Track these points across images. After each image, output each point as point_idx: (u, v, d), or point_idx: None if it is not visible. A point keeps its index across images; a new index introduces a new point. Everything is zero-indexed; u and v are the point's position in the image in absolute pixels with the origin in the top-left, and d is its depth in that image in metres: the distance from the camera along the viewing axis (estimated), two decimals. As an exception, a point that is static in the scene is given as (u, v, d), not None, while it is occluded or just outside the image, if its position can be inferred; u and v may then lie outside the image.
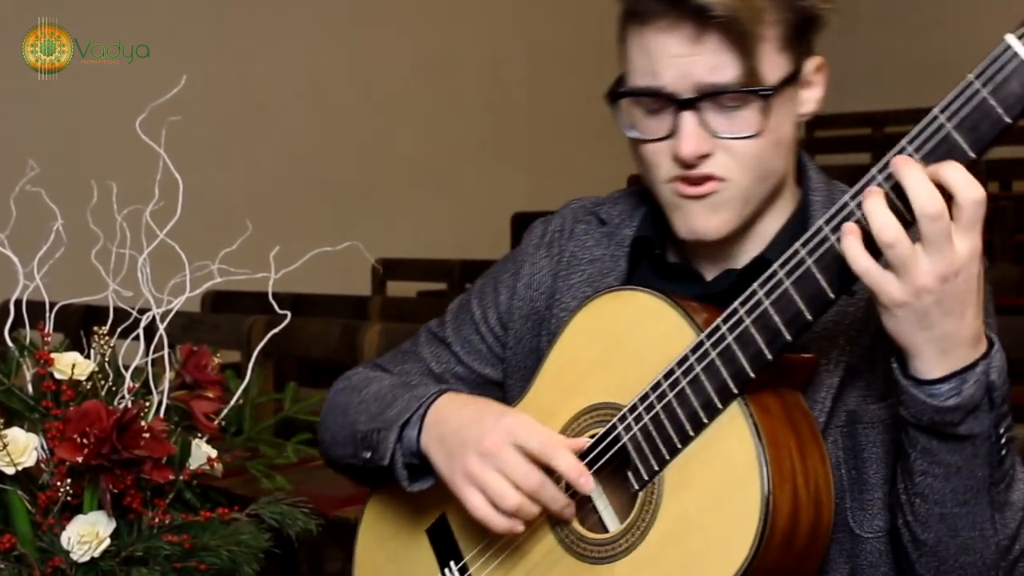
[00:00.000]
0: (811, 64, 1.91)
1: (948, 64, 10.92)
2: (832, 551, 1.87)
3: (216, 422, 2.29)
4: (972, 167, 1.55)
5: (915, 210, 1.54)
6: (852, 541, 1.89)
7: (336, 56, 9.24)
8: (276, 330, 2.33)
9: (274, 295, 2.29)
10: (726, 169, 1.86)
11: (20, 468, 2.02)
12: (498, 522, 1.86)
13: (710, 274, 2.01)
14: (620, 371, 1.90)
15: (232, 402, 2.34)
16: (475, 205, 9.36)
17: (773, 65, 1.84)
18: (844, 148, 11.26)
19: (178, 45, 7.72)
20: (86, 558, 1.98)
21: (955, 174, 1.53)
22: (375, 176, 9.46)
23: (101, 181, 2.37)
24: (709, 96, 1.82)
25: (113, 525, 2.02)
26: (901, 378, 1.64)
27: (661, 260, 2.05)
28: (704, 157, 1.85)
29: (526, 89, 10.60)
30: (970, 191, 1.52)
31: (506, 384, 2.20)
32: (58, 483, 2.00)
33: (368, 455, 2.06)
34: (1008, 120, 1.51)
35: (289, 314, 2.32)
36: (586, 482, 1.84)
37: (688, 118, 1.83)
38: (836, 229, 1.62)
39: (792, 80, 1.87)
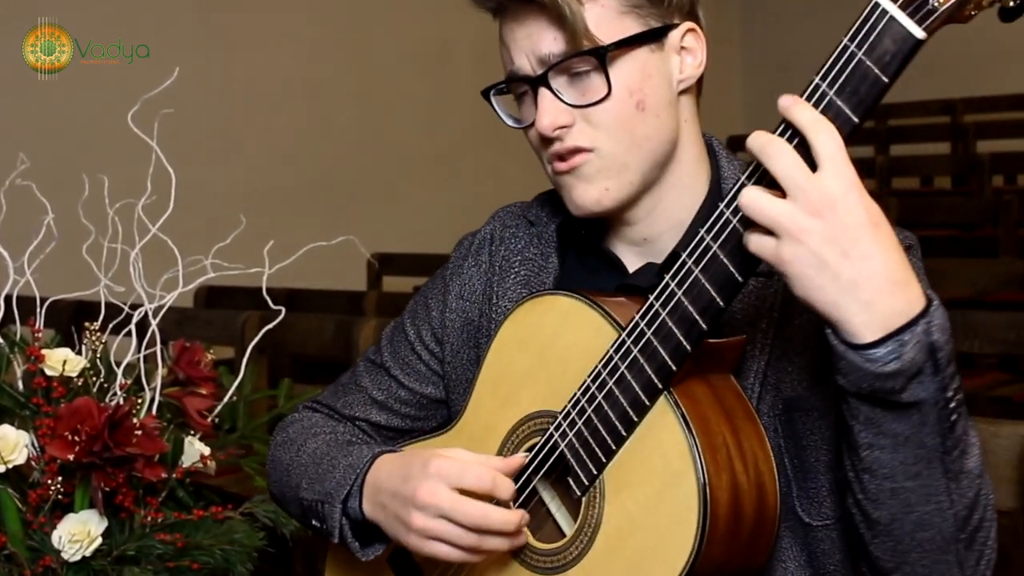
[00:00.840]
0: (679, 30, 1.94)
1: (947, 57, 10.93)
2: (786, 540, 1.87)
3: (209, 419, 2.29)
4: (859, 132, 1.56)
5: (760, 159, 1.55)
6: (803, 530, 1.88)
7: (330, 47, 9.23)
8: (270, 326, 2.34)
9: (268, 290, 2.30)
10: (590, 139, 1.89)
11: (10, 466, 2.02)
12: (475, 558, 1.89)
13: (633, 264, 2.03)
14: (551, 377, 1.90)
15: (225, 399, 2.34)
16: (472, 197, 9.33)
17: (613, 28, 1.87)
18: (847, 141, 11.25)
19: (170, 37, 7.71)
20: (77, 557, 1.99)
21: (804, 112, 1.53)
22: (370, 169, 9.45)
23: (93, 175, 2.37)
24: (553, 68, 1.88)
25: (105, 524, 2.02)
26: (837, 344, 1.57)
27: (590, 247, 2.07)
28: (564, 129, 1.89)
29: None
30: (819, 125, 1.52)
31: (449, 400, 2.20)
32: (49, 481, 2.00)
33: (317, 525, 2.06)
34: (886, 80, 1.52)
35: (283, 309, 2.32)
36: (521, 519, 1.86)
37: (542, 94, 1.89)
38: (737, 211, 1.62)
39: (640, 41, 1.89)
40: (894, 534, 1.68)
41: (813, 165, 1.52)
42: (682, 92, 1.95)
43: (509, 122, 2.01)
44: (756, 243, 1.56)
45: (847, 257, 1.51)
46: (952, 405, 1.58)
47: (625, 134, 1.89)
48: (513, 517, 1.83)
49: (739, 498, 1.68)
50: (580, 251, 2.09)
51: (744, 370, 1.85)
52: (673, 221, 1.96)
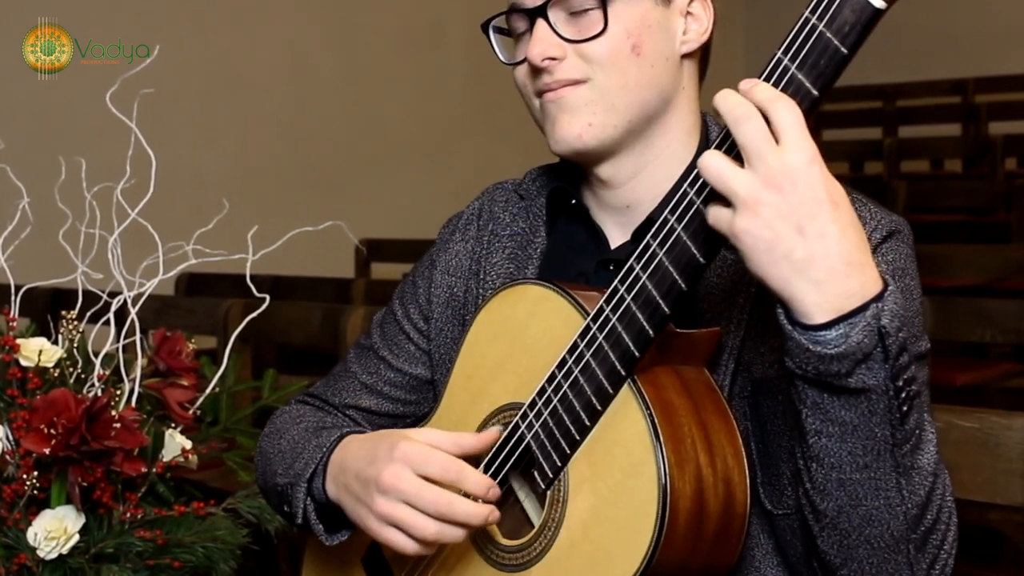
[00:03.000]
0: None
1: (959, 35, 10.90)
2: (754, 527, 1.87)
3: (191, 411, 2.29)
4: (818, 105, 1.57)
5: (726, 121, 1.56)
6: (767, 518, 1.89)
7: (317, 26, 9.22)
8: (254, 314, 2.33)
9: (252, 277, 2.29)
10: (581, 70, 1.94)
11: (-16, 460, 2.02)
12: (430, 550, 1.90)
13: (617, 239, 2.05)
14: (520, 369, 1.91)
15: (208, 390, 2.34)
16: (464, 181, 9.32)
17: None
18: (853, 122, 11.27)
19: (152, 15, 7.70)
20: (54, 555, 1.99)
21: (762, 91, 1.55)
22: (358, 152, 9.45)
23: (70, 157, 2.37)
24: (554, 2, 1.94)
25: (82, 520, 2.02)
26: (786, 324, 1.58)
27: (578, 216, 2.09)
28: (554, 62, 1.94)
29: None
30: (778, 101, 1.53)
31: (435, 381, 2.22)
32: (24, 476, 2.00)
33: (287, 510, 2.07)
34: (845, 51, 1.52)
35: (268, 297, 2.32)
36: (494, 494, 1.86)
37: (538, 25, 1.95)
38: (701, 191, 1.63)
39: None
40: (841, 527, 1.68)
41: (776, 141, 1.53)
42: (685, 57, 1.98)
43: (502, 57, 2.05)
44: (714, 214, 1.57)
45: (802, 234, 1.51)
46: (903, 395, 1.58)
47: (618, 73, 1.93)
48: (481, 511, 1.83)
49: (703, 492, 1.67)
50: (568, 222, 2.11)
51: (719, 346, 1.85)
52: (658, 191, 1.97)
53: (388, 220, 8.54)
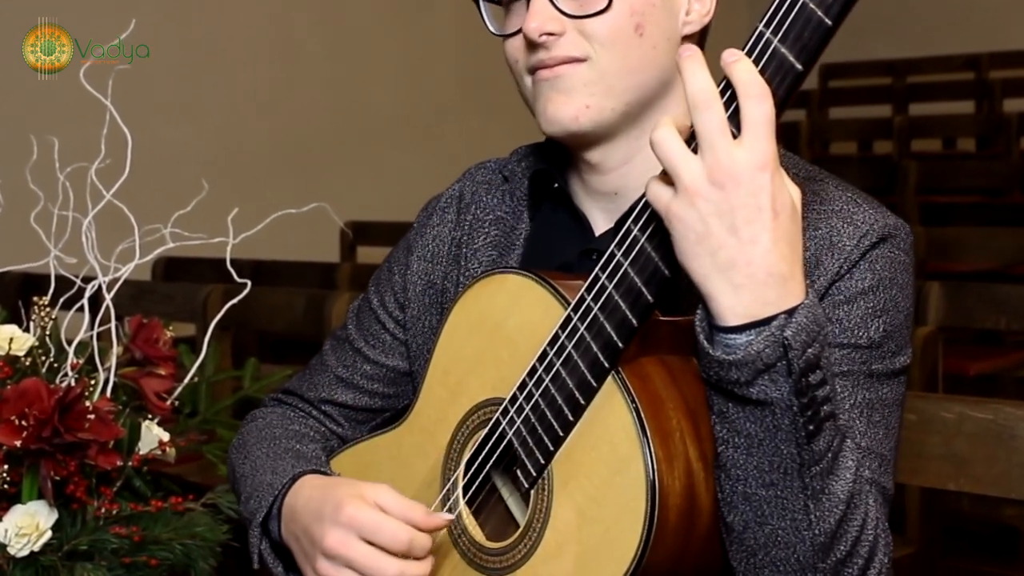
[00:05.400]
0: None
1: (973, 8, 10.89)
2: None
3: (168, 402, 2.29)
4: (802, 80, 1.57)
5: (688, 103, 1.56)
6: None
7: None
8: (235, 300, 2.33)
9: (233, 262, 2.29)
10: (583, 49, 1.92)
11: (-48, 453, 2.02)
12: None
13: (601, 226, 2.05)
14: (500, 362, 1.91)
15: (186, 380, 2.34)
16: (454, 161, 9.29)
17: None
18: (862, 99, 11.28)
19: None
20: (25, 552, 1.99)
21: (741, 72, 1.54)
22: (344, 131, 9.44)
23: (41, 136, 2.36)
24: None
25: (55, 516, 2.02)
26: (697, 323, 1.61)
27: (562, 201, 2.09)
28: (552, 37, 1.92)
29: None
30: (751, 89, 1.53)
31: (413, 372, 2.22)
32: (-6, 469, 2.00)
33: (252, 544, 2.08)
34: (829, 23, 1.52)
35: (249, 283, 2.32)
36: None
37: None
38: None
39: None
40: (747, 544, 1.68)
41: (738, 131, 1.53)
42: (685, 38, 1.97)
43: (492, 28, 2.03)
44: (654, 189, 1.59)
45: (734, 235, 1.53)
46: (810, 414, 1.58)
47: (620, 53, 1.92)
48: (429, 544, 1.84)
49: (693, 487, 1.67)
50: (552, 207, 2.11)
51: None
52: (647, 179, 1.97)
53: (375, 202, 8.54)
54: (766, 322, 1.54)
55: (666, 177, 1.57)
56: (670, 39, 1.95)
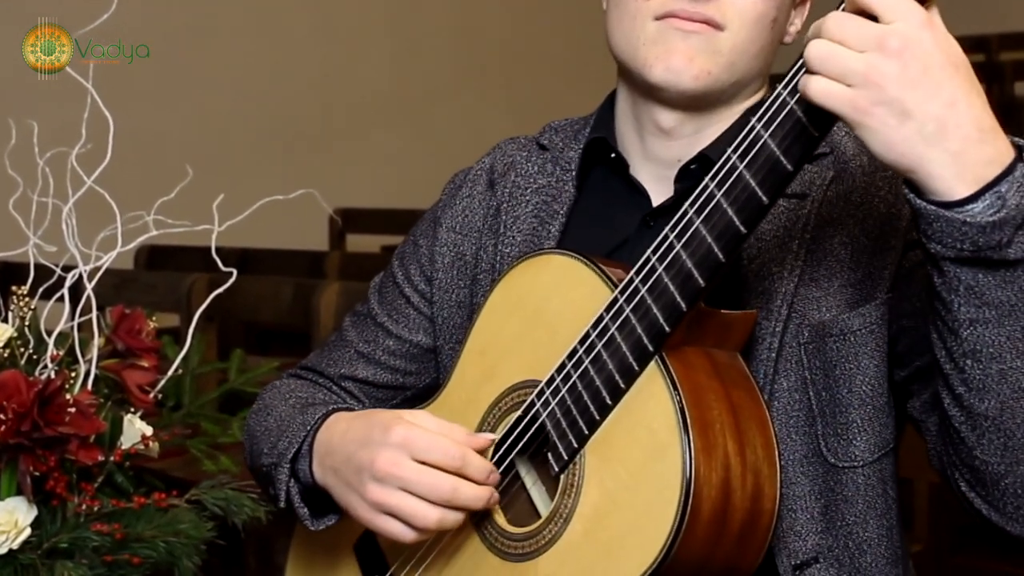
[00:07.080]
0: None
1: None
2: (801, 486, 1.89)
3: (152, 395, 2.29)
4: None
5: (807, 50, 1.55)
6: (826, 473, 1.90)
7: (288, -24, 9.22)
8: (220, 290, 2.33)
9: (218, 250, 2.29)
10: (727, 16, 1.95)
11: (-72, 448, 2.02)
12: (428, 537, 1.91)
13: (659, 196, 2.05)
14: (540, 344, 1.91)
15: (170, 372, 2.34)
16: (447, 147, 9.30)
17: None
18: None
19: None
20: (3, 550, 1.98)
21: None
22: (333, 114, 9.44)
23: (20, 120, 2.36)
24: None
25: (34, 513, 2.01)
26: (925, 206, 1.55)
27: (616, 171, 2.10)
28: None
29: (503, 14, 10.59)
30: None
31: (438, 349, 2.23)
32: (-29, 465, 2.00)
33: (272, 493, 2.08)
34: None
35: (235, 272, 2.31)
36: (494, 479, 1.87)
37: None
38: (743, 157, 1.64)
39: None
40: (1004, 427, 1.65)
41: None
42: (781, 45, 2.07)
43: None
44: (824, 88, 1.54)
45: (931, 102, 1.50)
46: None
47: (755, 36, 1.98)
48: (484, 494, 1.84)
49: (729, 482, 1.68)
50: (604, 177, 2.12)
51: (772, 292, 1.88)
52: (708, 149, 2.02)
53: (365, 188, 8.55)
54: (1002, 178, 1.51)
55: (825, 81, 1.54)
56: (779, 40, 2.04)
